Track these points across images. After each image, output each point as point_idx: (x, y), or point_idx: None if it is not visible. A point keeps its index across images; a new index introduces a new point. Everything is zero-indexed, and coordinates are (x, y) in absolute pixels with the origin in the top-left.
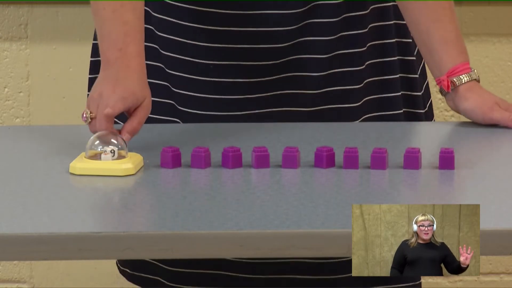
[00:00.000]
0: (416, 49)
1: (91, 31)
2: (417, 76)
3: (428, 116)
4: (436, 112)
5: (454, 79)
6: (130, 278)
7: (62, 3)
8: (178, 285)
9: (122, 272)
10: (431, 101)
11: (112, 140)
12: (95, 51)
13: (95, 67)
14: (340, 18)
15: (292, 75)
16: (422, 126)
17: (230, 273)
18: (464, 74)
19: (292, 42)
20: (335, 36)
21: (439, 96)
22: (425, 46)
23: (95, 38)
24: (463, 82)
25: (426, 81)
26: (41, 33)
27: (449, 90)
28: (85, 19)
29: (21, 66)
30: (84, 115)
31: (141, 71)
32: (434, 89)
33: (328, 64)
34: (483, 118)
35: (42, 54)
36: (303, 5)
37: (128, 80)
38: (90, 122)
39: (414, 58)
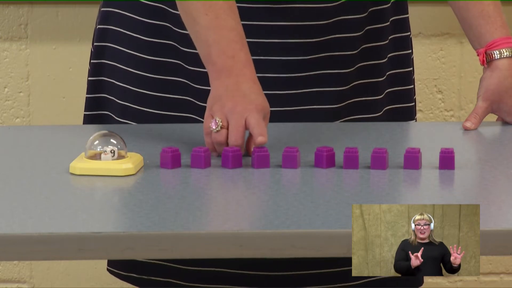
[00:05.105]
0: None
1: (91, 31)
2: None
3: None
4: (436, 112)
5: (490, 52)
6: (137, 283)
7: (62, 3)
8: (191, 284)
9: (126, 278)
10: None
11: (112, 140)
12: (96, 53)
13: (96, 70)
14: (367, 13)
15: (322, 73)
16: (422, 126)
17: (243, 272)
18: (503, 48)
19: (323, 38)
20: (362, 32)
21: (439, 96)
22: (464, 21)
23: (97, 40)
24: (500, 56)
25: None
26: (41, 33)
27: (485, 64)
28: (85, 19)
29: (21, 66)
30: (215, 124)
31: (257, 80)
32: (428, 89)
33: (356, 59)
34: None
35: (42, 54)
36: (335, 0)
37: (254, 93)
38: (218, 131)
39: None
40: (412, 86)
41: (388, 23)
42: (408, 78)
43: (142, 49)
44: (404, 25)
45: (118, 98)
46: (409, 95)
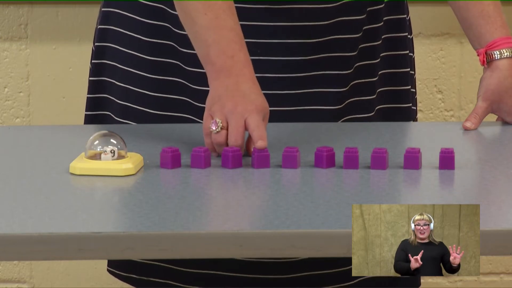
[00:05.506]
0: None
1: (91, 31)
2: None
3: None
4: (436, 112)
5: (491, 53)
6: (137, 283)
7: (62, 3)
8: (190, 286)
9: (126, 279)
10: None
11: (112, 140)
12: (97, 53)
13: (97, 70)
14: (365, 14)
15: (322, 73)
16: (422, 126)
17: (239, 274)
18: (503, 48)
19: (323, 39)
20: (361, 33)
21: (439, 96)
22: (464, 21)
23: (98, 40)
24: (501, 56)
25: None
26: (41, 33)
27: (485, 65)
28: (85, 19)
29: (21, 66)
30: (215, 125)
31: (256, 81)
32: (428, 89)
33: (355, 60)
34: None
35: (42, 54)
36: (335, 1)
37: (253, 94)
38: (218, 132)
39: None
40: (409, 87)
41: (382, 23)
42: (404, 79)
43: (142, 49)
44: (400, 25)
45: (118, 98)
46: (405, 96)
